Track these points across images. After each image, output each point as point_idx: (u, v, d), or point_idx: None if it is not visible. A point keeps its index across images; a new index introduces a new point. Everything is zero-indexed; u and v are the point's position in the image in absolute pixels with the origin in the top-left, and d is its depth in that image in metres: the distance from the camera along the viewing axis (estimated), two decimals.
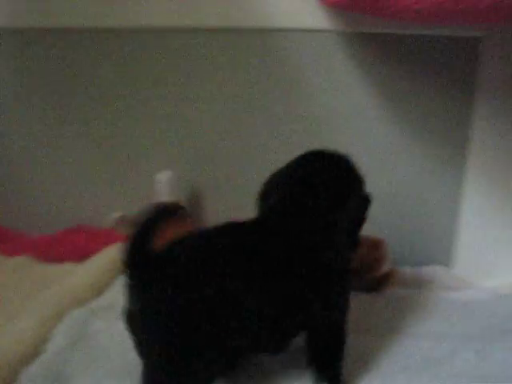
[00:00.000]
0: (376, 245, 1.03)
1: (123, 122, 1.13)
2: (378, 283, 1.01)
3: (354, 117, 1.06)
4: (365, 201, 0.81)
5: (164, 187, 1.03)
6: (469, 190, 1.07)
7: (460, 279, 1.07)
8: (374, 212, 1.02)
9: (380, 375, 0.77)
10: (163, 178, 1.03)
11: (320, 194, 0.73)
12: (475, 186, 1.06)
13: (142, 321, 0.64)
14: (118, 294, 0.93)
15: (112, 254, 1.05)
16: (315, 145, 1.05)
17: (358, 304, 0.96)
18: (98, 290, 0.98)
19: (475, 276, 1.08)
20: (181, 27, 1.05)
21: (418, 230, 1.09)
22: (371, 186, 1.07)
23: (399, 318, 0.93)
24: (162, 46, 1.07)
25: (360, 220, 0.81)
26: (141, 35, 1.07)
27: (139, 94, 1.10)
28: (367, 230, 1.07)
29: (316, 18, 1.00)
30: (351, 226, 0.78)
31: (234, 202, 1.12)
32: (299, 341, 0.73)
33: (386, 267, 1.00)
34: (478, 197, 1.07)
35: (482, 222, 1.08)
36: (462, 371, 0.78)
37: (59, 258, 1.11)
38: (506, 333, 0.88)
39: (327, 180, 0.74)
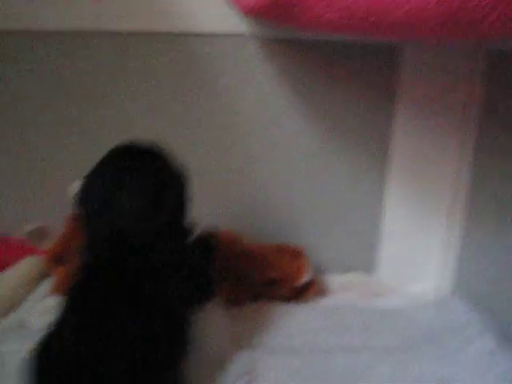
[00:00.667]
0: (296, 254, 1.02)
1: (38, 127, 1.07)
2: (298, 293, 1.00)
3: (273, 123, 1.04)
4: (181, 186, 0.75)
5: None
6: (390, 198, 1.07)
7: (382, 285, 1.08)
8: (297, 220, 1.02)
9: None
10: (76, 188, 0.98)
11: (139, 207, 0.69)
12: (396, 193, 1.07)
13: None
14: (29, 311, 0.90)
15: (25, 268, 1.00)
16: (235, 152, 1.05)
17: (276, 316, 0.95)
18: (9, 307, 0.93)
19: (397, 282, 1.09)
20: (90, 30, 1.00)
21: (341, 237, 1.09)
22: (293, 194, 1.08)
23: (318, 330, 0.91)
24: (75, 49, 1.02)
25: (182, 209, 0.75)
26: (68, 38, 1.01)
27: (54, 98, 1.05)
28: (289, 237, 1.08)
29: (234, 22, 0.98)
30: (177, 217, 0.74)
31: None
32: None
33: (306, 277, 0.99)
34: (398, 204, 1.07)
35: (404, 229, 1.09)
36: None
37: None
38: (424, 344, 0.88)
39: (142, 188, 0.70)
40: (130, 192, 0.69)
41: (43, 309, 0.89)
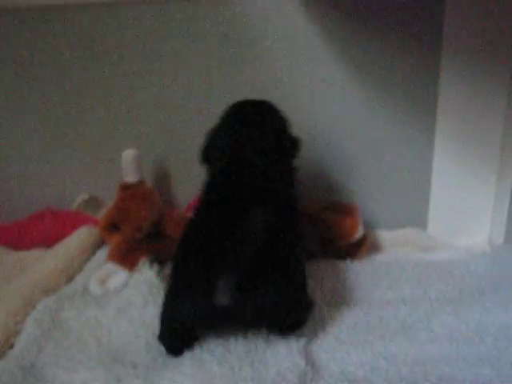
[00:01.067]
0: (349, 211, 1.02)
1: (84, 101, 1.09)
2: (352, 250, 1.00)
3: (320, 81, 1.03)
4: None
5: (130, 166, 1.00)
6: (439, 153, 1.06)
7: (435, 240, 1.07)
8: (347, 176, 1.02)
9: (358, 344, 0.77)
10: (128, 156, 1.00)
11: (264, 143, 0.84)
12: (446, 148, 1.05)
13: None
14: (88, 279, 0.93)
15: (81, 238, 1.03)
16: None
17: (333, 272, 0.96)
18: (68, 276, 0.95)
19: (449, 236, 1.08)
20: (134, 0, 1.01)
21: (393, 193, 1.08)
22: (345, 152, 1.07)
23: (375, 284, 0.92)
24: (115, 20, 1.03)
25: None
26: (92, 10, 1.02)
27: (97, 71, 1.07)
28: (340, 195, 1.08)
29: None
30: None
31: (202, 175, 1.10)
32: None
33: (359, 233, 0.99)
34: (448, 159, 1.06)
35: (454, 184, 1.07)
36: (440, 334, 0.78)
37: (27, 245, 1.09)
38: (482, 293, 0.88)
39: (266, 129, 0.86)
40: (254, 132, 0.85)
41: (101, 276, 0.91)
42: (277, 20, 1.00)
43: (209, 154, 0.89)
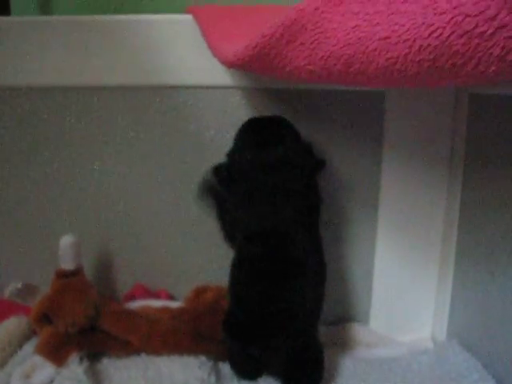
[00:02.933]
0: None
1: (20, 185, 1.06)
2: None
3: None
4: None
5: (67, 252, 0.96)
6: (381, 250, 1.06)
7: (378, 335, 1.06)
8: None
9: None
10: (66, 242, 0.96)
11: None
12: (387, 246, 1.06)
13: None
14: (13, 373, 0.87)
15: (8, 329, 0.97)
16: None
17: None
18: None
19: (392, 332, 1.07)
20: (80, 85, 1.01)
21: (334, 289, 1.07)
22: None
23: None
24: (60, 105, 1.02)
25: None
26: (39, 93, 1.01)
27: (42, 153, 1.04)
28: None
29: (217, 74, 0.98)
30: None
31: (143, 267, 1.07)
32: None
33: None
34: (390, 257, 1.06)
35: (396, 280, 1.07)
36: None
37: None
38: None
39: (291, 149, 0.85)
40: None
41: (26, 370, 0.86)
42: (221, 111, 1.01)
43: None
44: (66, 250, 0.96)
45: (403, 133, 1.00)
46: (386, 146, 1.01)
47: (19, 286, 0.96)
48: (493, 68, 0.47)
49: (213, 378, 0.88)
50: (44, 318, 0.93)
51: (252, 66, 0.77)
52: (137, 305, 1.00)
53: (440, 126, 0.99)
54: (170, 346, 0.94)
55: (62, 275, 0.97)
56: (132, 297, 1.05)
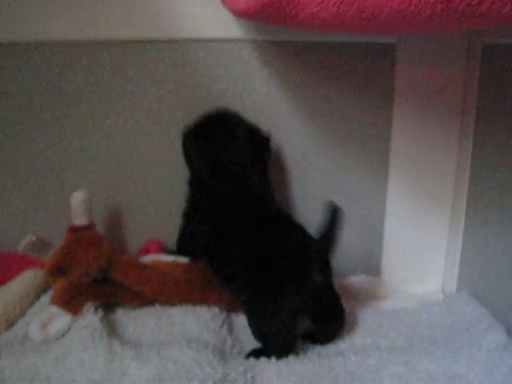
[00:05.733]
0: None
1: (33, 141, 1.06)
2: None
3: (271, 127, 1.02)
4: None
5: (79, 208, 0.97)
6: (392, 200, 1.06)
7: (388, 288, 1.07)
8: (301, 222, 1.01)
9: None
10: (78, 198, 0.97)
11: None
12: (398, 197, 1.06)
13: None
14: (30, 324, 0.89)
15: (25, 281, 0.99)
16: None
17: None
18: (9, 322, 0.90)
19: (402, 284, 1.08)
20: (91, 40, 1.00)
21: (346, 241, 1.07)
22: (292, 197, 1.07)
23: None
24: (73, 59, 1.01)
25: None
26: (50, 49, 1.01)
27: (49, 110, 1.04)
28: None
29: (229, 27, 0.97)
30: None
31: (153, 220, 1.08)
32: None
33: None
34: (401, 207, 1.06)
35: (407, 232, 1.08)
36: None
37: None
38: (433, 342, 0.87)
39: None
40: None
41: (43, 320, 0.88)
42: (230, 65, 1.00)
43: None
44: (78, 205, 0.97)
45: (414, 83, 0.99)
46: (396, 97, 1.00)
47: (33, 239, 0.97)
48: (508, 7, 0.46)
49: (225, 329, 0.89)
50: (58, 270, 0.94)
51: (264, 14, 0.76)
52: (148, 259, 1.01)
53: (452, 76, 0.98)
54: (182, 296, 0.95)
55: (75, 230, 0.98)
56: (146, 251, 1.06)
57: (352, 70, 1.00)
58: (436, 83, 0.99)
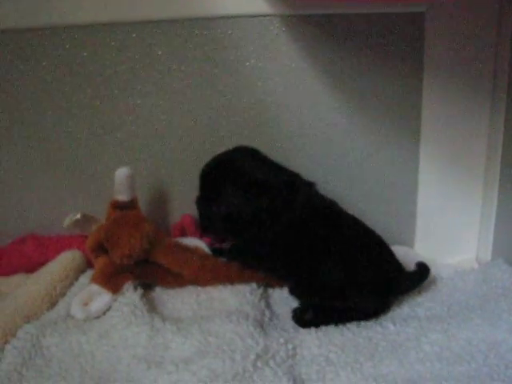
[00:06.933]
0: None
1: (69, 122, 1.08)
2: None
3: (302, 101, 1.03)
4: None
5: (122, 184, 0.98)
6: (425, 172, 1.06)
7: (422, 258, 1.06)
8: (335, 197, 1.01)
9: (348, 365, 0.75)
10: (121, 174, 0.98)
11: None
12: (431, 167, 1.05)
13: None
14: (72, 303, 0.91)
15: (64, 263, 1.01)
16: (265, 132, 1.04)
17: None
18: (51, 302, 0.93)
19: (437, 254, 1.07)
20: (120, 21, 1.00)
21: (379, 212, 1.08)
22: (326, 172, 1.07)
23: None
24: (103, 41, 1.02)
25: None
26: (80, 32, 1.01)
27: (86, 91, 1.05)
28: None
29: (256, 2, 0.97)
30: None
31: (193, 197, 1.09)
32: None
33: None
34: (434, 178, 1.06)
35: (440, 202, 1.07)
36: (430, 353, 0.77)
37: (9, 271, 1.06)
38: (470, 310, 0.87)
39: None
40: None
41: (84, 298, 0.89)
42: (259, 41, 1.00)
43: None
44: (121, 181, 0.98)
45: (444, 53, 0.98)
46: (426, 67, 0.99)
47: (78, 216, 0.99)
48: None
49: (263, 303, 0.90)
50: (100, 247, 0.96)
51: None
52: (188, 242, 1.02)
53: (483, 44, 0.97)
54: (220, 278, 0.96)
55: (117, 206, 0.99)
56: (181, 227, 1.07)
57: (381, 41, 0.99)
58: (466, 52, 0.97)
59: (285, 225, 0.88)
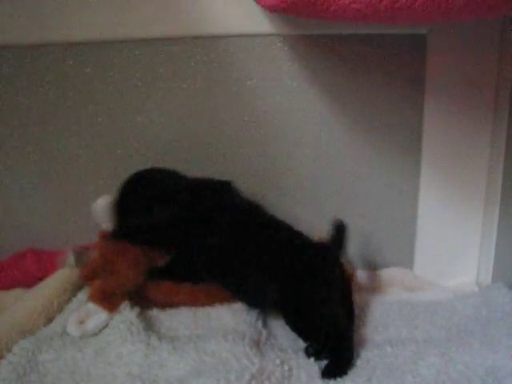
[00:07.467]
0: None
1: (68, 140, 1.08)
2: None
3: (302, 121, 1.03)
4: None
5: (106, 213, 0.98)
6: (425, 193, 1.06)
7: (421, 280, 1.06)
8: (333, 217, 1.01)
9: None
10: (102, 204, 0.98)
11: None
12: (431, 188, 1.05)
13: None
14: (68, 320, 0.90)
15: (62, 278, 1.01)
16: (265, 151, 1.05)
17: None
18: (48, 317, 0.93)
19: (436, 276, 1.07)
20: (123, 39, 1.01)
21: (378, 234, 1.08)
22: (323, 191, 1.07)
23: (361, 325, 0.91)
24: (102, 58, 1.03)
25: None
26: (83, 49, 1.03)
27: (87, 107, 1.06)
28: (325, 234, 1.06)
29: (258, 22, 0.98)
30: None
31: None
32: None
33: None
34: (434, 199, 1.06)
35: (440, 224, 1.07)
36: (427, 377, 0.76)
37: (8, 285, 1.07)
38: (469, 334, 0.86)
39: None
40: None
41: (80, 316, 0.89)
42: (261, 60, 1.01)
43: None
44: (103, 212, 0.98)
45: (446, 74, 0.98)
46: (428, 88, 1.00)
47: (70, 259, 0.99)
48: None
49: (260, 323, 0.90)
50: (94, 274, 0.95)
51: (295, 8, 0.77)
52: None
53: (485, 66, 0.97)
54: (216, 299, 0.95)
55: (106, 236, 0.99)
56: None
57: (383, 63, 0.99)
58: (468, 74, 0.98)
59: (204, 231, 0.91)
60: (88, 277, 0.96)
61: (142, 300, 0.95)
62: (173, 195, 0.91)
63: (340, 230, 0.90)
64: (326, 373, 0.77)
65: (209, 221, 0.91)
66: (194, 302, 0.95)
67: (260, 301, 0.90)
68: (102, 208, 0.97)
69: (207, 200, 0.91)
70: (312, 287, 0.83)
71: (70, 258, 0.99)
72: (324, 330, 0.81)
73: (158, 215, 0.90)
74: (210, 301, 0.95)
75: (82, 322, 0.88)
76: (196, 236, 0.91)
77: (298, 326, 0.84)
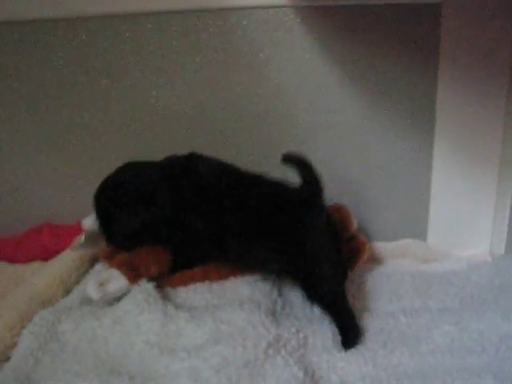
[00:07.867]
0: (336, 209, 1.00)
1: (87, 110, 1.09)
2: (351, 260, 0.98)
3: (316, 93, 1.03)
4: None
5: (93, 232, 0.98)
6: (438, 164, 1.05)
7: (435, 251, 1.07)
8: (345, 188, 1.01)
9: (359, 355, 0.76)
10: (90, 222, 0.98)
11: None
12: (444, 159, 1.05)
13: None
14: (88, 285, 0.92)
15: None
16: (278, 123, 1.05)
17: None
18: (66, 289, 0.95)
19: (449, 247, 1.08)
20: (135, 12, 1.01)
21: (391, 205, 1.08)
22: (340, 162, 1.07)
23: (375, 296, 0.92)
24: (115, 32, 1.03)
25: None
26: (95, 23, 1.02)
27: (100, 82, 1.06)
28: None
29: None
30: None
31: None
32: None
33: (354, 225, 0.98)
34: (447, 170, 1.06)
35: (453, 195, 1.07)
36: (441, 345, 0.78)
37: (25, 258, 1.08)
38: (483, 303, 0.87)
39: None
40: None
41: (101, 279, 0.90)
42: (273, 32, 1.00)
43: None
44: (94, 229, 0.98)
45: (460, 44, 0.97)
46: (442, 59, 0.99)
47: (82, 239, 1.00)
48: None
49: (275, 292, 0.90)
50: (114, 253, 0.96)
51: None
52: None
53: (500, 35, 0.96)
54: (228, 273, 0.96)
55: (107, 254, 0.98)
56: None
57: (397, 33, 0.99)
58: (483, 43, 0.97)
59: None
60: (107, 256, 0.97)
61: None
62: (149, 190, 0.89)
63: (304, 165, 0.86)
64: (345, 343, 0.79)
65: (190, 206, 0.88)
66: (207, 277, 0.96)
67: (268, 264, 0.89)
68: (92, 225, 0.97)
69: (183, 187, 0.89)
70: (306, 238, 0.83)
71: (81, 239, 1.00)
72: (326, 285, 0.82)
73: (141, 215, 0.89)
74: (223, 277, 0.96)
75: (102, 285, 0.89)
76: (183, 225, 0.90)
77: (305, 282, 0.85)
